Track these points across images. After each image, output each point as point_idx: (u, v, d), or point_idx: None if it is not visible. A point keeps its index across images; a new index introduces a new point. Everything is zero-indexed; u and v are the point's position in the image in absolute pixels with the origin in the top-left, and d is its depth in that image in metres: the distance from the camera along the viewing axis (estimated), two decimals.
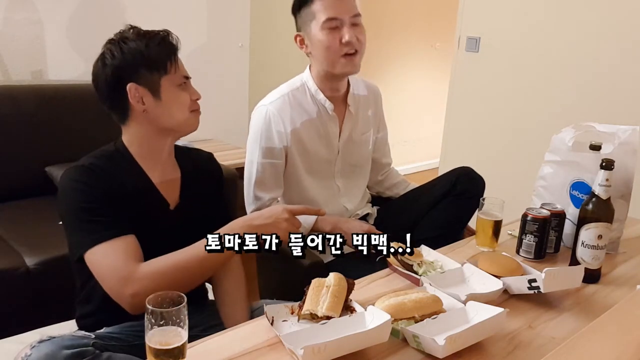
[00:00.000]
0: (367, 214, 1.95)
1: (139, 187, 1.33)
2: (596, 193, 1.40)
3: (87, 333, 1.21)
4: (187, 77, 1.35)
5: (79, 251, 1.23)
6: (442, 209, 1.79)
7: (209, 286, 1.49)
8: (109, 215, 1.24)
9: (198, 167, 1.47)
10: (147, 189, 1.34)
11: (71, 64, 2.86)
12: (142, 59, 1.28)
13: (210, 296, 1.48)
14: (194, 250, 1.24)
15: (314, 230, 1.70)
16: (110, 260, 1.21)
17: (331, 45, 1.62)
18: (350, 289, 1.21)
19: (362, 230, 1.65)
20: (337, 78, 1.73)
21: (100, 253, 1.21)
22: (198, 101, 1.38)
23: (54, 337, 1.12)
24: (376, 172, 2.02)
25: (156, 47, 1.29)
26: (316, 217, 1.72)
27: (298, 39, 1.72)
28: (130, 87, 1.28)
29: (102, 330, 1.27)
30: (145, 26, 1.34)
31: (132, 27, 1.32)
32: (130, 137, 1.35)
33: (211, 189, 1.48)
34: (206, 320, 1.37)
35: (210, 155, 1.54)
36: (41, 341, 1.10)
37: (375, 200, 2.04)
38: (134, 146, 1.35)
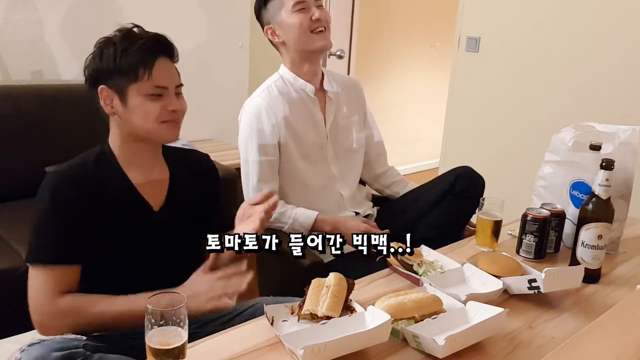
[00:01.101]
0: (368, 215, 1.95)
1: (118, 189, 1.30)
2: (596, 193, 1.40)
3: (78, 335, 1.20)
4: (165, 87, 1.27)
5: (27, 260, 1.23)
6: (442, 208, 1.79)
7: None
8: (63, 236, 1.22)
9: (191, 168, 1.44)
10: (126, 191, 1.32)
11: (71, 64, 2.86)
12: (114, 64, 1.25)
13: None
14: (116, 308, 1.20)
15: (314, 231, 1.70)
16: (37, 285, 1.20)
17: (303, 22, 1.74)
18: (350, 289, 1.21)
19: (360, 229, 1.67)
20: (312, 57, 1.81)
21: (35, 273, 1.21)
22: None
23: (44, 340, 1.12)
24: (372, 166, 2.04)
25: (133, 52, 1.25)
26: (315, 217, 1.72)
27: (269, 31, 1.80)
28: (101, 89, 1.28)
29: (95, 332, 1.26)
30: (145, 27, 1.33)
31: (120, 29, 1.29)
32: (112, 137, 1.34)
33: (205, 192, 1.44)
34: (203, 317, 1.35)
35: (206, 157, 1.50)
36: (31, 344, 1.10)
37: (376, 200, 2.05)
38: (116, 147, 1.34)
